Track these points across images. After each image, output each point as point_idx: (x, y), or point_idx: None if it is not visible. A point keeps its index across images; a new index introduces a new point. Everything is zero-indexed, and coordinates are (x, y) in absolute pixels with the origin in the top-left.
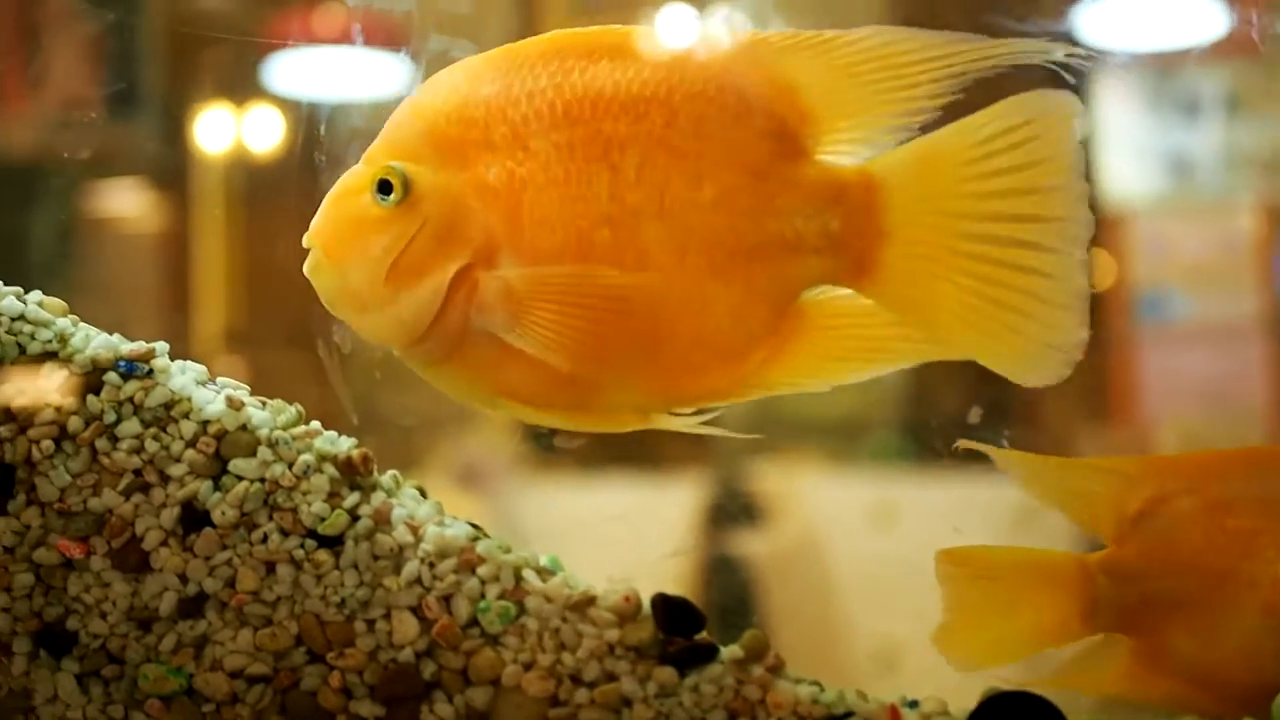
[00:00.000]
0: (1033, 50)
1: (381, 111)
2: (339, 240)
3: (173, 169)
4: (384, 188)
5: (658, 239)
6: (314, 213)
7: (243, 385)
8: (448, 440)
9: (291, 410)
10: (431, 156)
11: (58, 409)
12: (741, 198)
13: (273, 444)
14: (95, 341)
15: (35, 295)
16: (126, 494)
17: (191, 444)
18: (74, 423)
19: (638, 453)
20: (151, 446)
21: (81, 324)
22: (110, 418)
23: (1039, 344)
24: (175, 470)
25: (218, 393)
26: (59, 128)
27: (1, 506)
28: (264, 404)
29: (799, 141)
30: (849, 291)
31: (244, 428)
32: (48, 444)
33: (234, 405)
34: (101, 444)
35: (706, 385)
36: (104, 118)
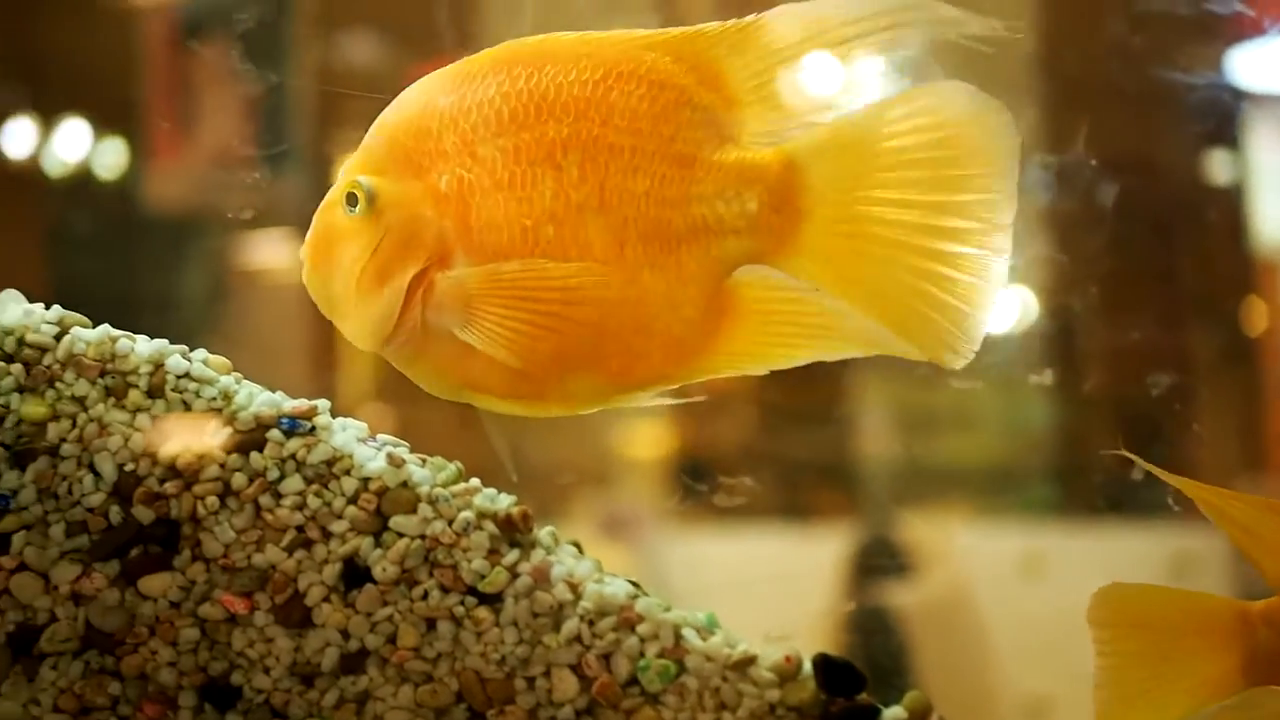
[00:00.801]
0: (947, 21)
1: None
2: (320, 251)
3: None
4: (351, 200)
5: (599, 233)
6: None
7: (402, 442)
8: (592, 490)
9: (451, 467)
10: (393, 168)
11: (222, 466)
12: (670, 187)
13: (433, 501)
14: (258, 399)
15: (200, 353)
16: (289, 550)
17: (353, 501)
18: (238, 479)
19: (783, 503)
20: (314, 503)
21: (244, 381)
22: (273, 474)
23: (945, 324)
24: (337, 527)
25: (378, 450)
26: (211, 182)
27: (167, 562)
28: (424, 461)
29: (726, 129)
30: (782, 277)
31: (405, 485)
32: (212, 500)
33: (395, 462)
34: (265, 500)
35: (651, 371)
36: (255, 172)
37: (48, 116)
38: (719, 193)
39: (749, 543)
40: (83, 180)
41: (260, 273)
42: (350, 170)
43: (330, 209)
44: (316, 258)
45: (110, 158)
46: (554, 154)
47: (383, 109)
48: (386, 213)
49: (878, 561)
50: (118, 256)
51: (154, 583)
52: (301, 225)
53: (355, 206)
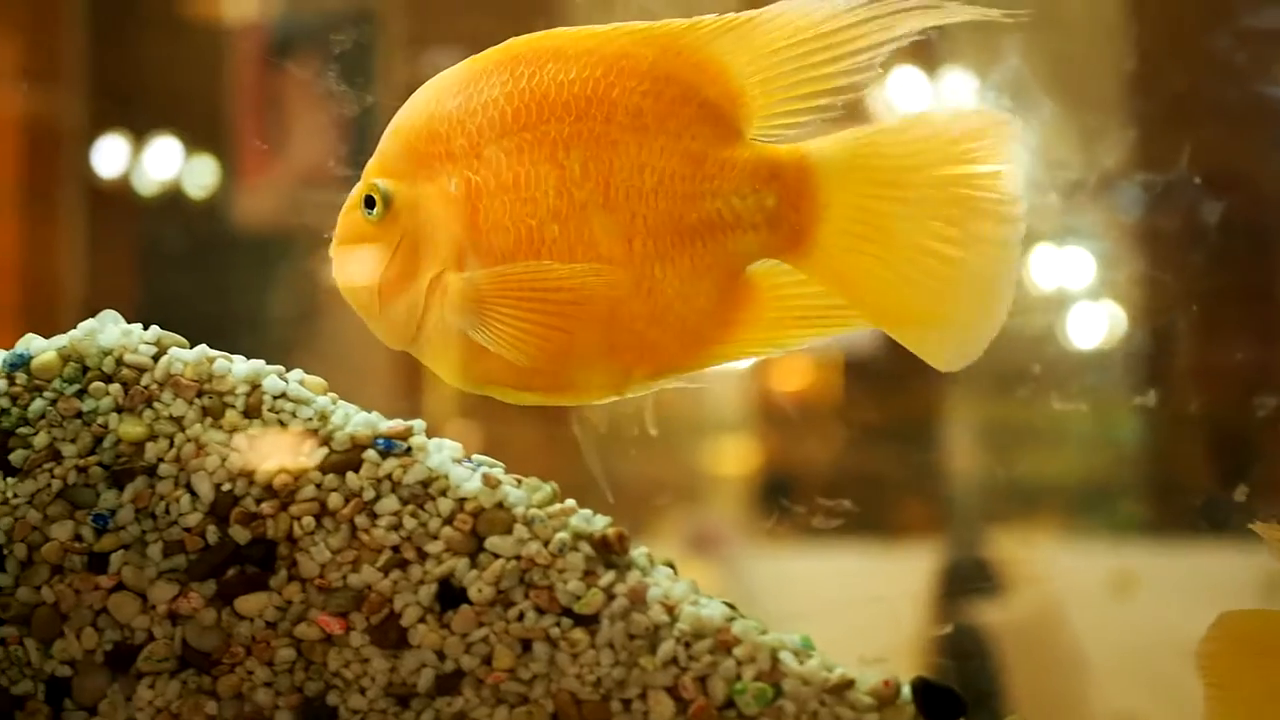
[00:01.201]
0: (952, 10)
1: None
2: (343, 253)
3: None
4: (369, 203)
5: (605, 229)
6: None
7: (498, 463)
8: (679, 507)
9: (547, 488)
10: (407, 171)
11: (318, 486)
12: (681, 182)
13: (529, 522)
14: (354, 419)
15: (296, 373)
16: (385, 570)
17: (449, 521)
18: (334, 500)
19: (871, 521)
20: (409, 523)
21: (340, 401)
22: (369, 495)
23: (949, 330)
24: (433, 547)
25: (474, 470)
26: (301, 200)
27: (263, 582)
28: (519, 481)
29: (732, 124)
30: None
31: (500, 505)
32: (309, 520)
33: (490, 483)
34: (361, 521)
35: (666, 360)
36: (345, 191)
37: (139, 135)
38: (735, 188)
39: (836, 560)
40: (173, 198)
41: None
42: (369, 173)
43: (350, 211)
44: (342, 259)
45: (201, 176)
46: (556, 152)
47: None
48: (403, 216)
49: (968, 581)
50: (208, 275)
51: (250, 603)
52: None
53: (373, 210)
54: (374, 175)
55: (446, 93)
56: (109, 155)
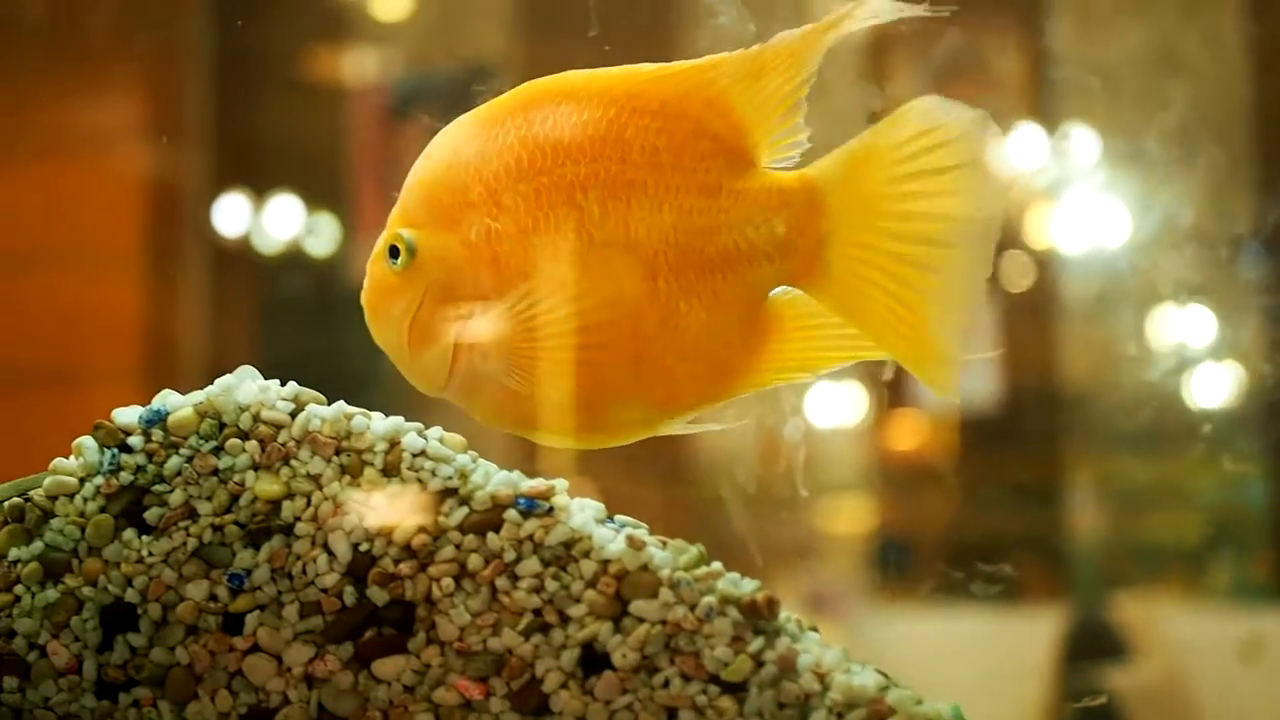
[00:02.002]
0: (885, 10)
1: None
2: (373, 302)
3: None
4: (393, 253)
5: (628, 268)
6: None
7: (641, 524)
8: (797, 566)
9: (693, 550)
10: (429, 220)
11: (458, 546)
12: (698, 216)
13: (675, 585)
14: (495, 478)
15: (435, 430)
16: (526, 634)
17: (592, 584)
18: (474, 560)
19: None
20: (551, 586)
21: (480, 460)
22: (510, 556)
23: (937, 349)
24: (575, 611)
25: (618, 531)
26: None
27: (401, 645)
28: (664, 543)
29: (742, 155)
30: None
31: (645, 568)
32: (448, 582)
33: (635, 545)
34: (501, 583)
35: (696, 394)
36: None
37: (260, 193)
38: (748, 219)
39: (957, 623)
40: (294, 256)
41: None
42: (392, 223)
43: (377, 260)
44: (372, 308)
45: (321, 233)
46: (574, 195)
47: None
48: (427, 265)
49: (1092, 644)
50: (328, 332)
51: (388, 666)
52: None
53: (398, 259)
54: (397, 225)
55: (464, 141)
56: (231, 213)
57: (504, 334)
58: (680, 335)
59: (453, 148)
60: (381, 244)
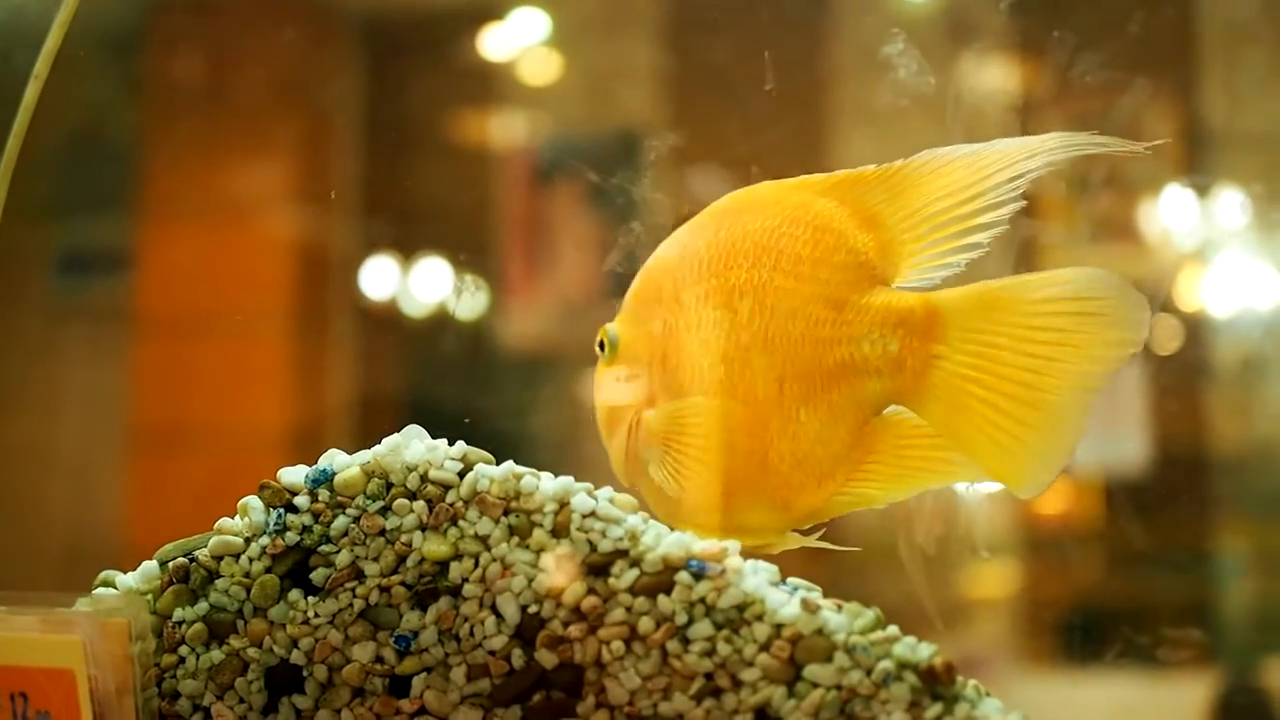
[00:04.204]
0: (1077, 144)
1: None
2: (595, 390)
3: None
4: (601, 345)
5: (761, 372)
6: None
7: (815, 586)
8: (944, 630)
9: (870, 614)
10: (633, 315)
11: (628, 609)
12: (823, 328)
13: (850, 649)
14: (666, 540)
15: (605, 491)
16: (698, 699)
17: (765, 648)
18: (645, 623)
19: (1136, 646)
20: (724, 649)
21: (652, 521)
22: (682, 619)
23: (1029, 471)
24: (748, 675)
25: (791, 594)
26: (570, 319)
27: (570, 708)
28: (839, 606)
29: (876, 271)
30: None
31: (820, 631)
32: (618, 645)
33: (809, 608)
34: (673, 646)
35: (807, 504)
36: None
37: (408, 256)
38: (866, 334)
39: (1103, 687)
40: (441, 319)
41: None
42: (618, 316)
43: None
44: (596, 394)
45: (469, 296)
46: (732, 298)
47: None
48: (623, 356)
49: (1244, 711)
50: (478, 394)
51: None
52: None
53: (604, 351)
54: (616, 319)
55: (673, 243)
56: (378, 276)
57: (652, 425)
58: (796, 442)
59: (663, 249)
60: (599, 334)
